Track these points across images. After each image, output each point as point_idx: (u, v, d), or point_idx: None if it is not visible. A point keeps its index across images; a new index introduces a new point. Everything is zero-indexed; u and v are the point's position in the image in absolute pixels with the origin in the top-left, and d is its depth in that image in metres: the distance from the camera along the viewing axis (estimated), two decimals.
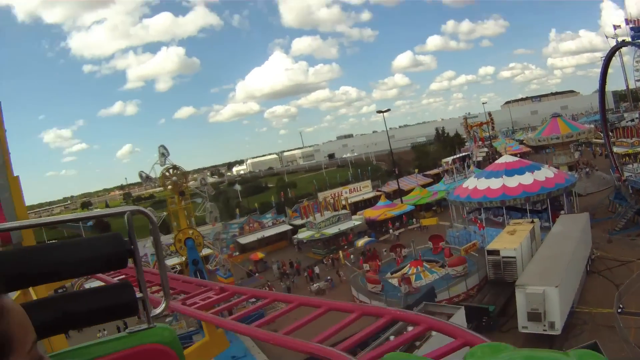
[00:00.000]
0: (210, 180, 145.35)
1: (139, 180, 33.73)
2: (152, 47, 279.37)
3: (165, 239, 34.03)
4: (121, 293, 1.34)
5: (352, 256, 37.95)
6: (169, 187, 30.92)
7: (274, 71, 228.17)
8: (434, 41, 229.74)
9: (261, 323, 5.09)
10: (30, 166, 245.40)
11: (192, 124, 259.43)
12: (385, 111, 59.23)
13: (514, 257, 24.90)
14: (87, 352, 1.32)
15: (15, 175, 4.36)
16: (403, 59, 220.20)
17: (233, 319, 5.19)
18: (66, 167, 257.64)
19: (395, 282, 28.36)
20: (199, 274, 28.82)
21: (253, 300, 6.14)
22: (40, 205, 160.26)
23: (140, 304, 1.37)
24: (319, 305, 4.98)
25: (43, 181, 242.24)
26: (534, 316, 19.29)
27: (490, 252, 26.13)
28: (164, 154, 30.96)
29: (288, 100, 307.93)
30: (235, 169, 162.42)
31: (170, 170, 31.08)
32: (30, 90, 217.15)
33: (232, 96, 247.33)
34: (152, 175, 31.33)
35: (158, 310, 1.44)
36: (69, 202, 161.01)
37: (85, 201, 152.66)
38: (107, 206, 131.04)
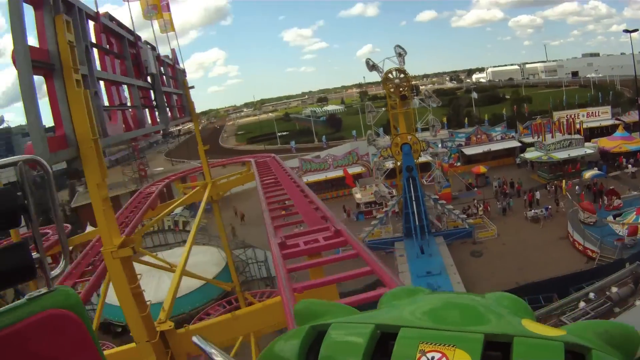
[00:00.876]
0: (449, 85, 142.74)
1: (376, 80, 33.84)
2: None
3: (385, 142, 33.95)
4: (15, 255, 1.16)
5: (577, 187, 33.11)
6: (391, 89, 30.28)
7: None
8: None
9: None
10: (271, 63, 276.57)
11: (433, 27, 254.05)
12: (633, 31, 50.37)
13: None
14: None
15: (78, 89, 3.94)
16: None
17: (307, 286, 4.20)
18: (305, 64, 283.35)
19: (617, 228, 25.15)
20: (412, 181, 28.37)
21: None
22: (279, 98, 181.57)
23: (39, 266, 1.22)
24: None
25: (283, 77, 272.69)
26: None
27: None
28: (400, 53, 30.38)
29: (533, 10, 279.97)
30: (475, 76, 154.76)
31: (394, 72, 30.25)
32: None
33: (476, 2, 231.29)
34: (380, 65, 30.97)
35: (57, 272, 1.27)
36: (306, 96, 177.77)
37: (322, 97, 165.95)
38: (342, 103, 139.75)
